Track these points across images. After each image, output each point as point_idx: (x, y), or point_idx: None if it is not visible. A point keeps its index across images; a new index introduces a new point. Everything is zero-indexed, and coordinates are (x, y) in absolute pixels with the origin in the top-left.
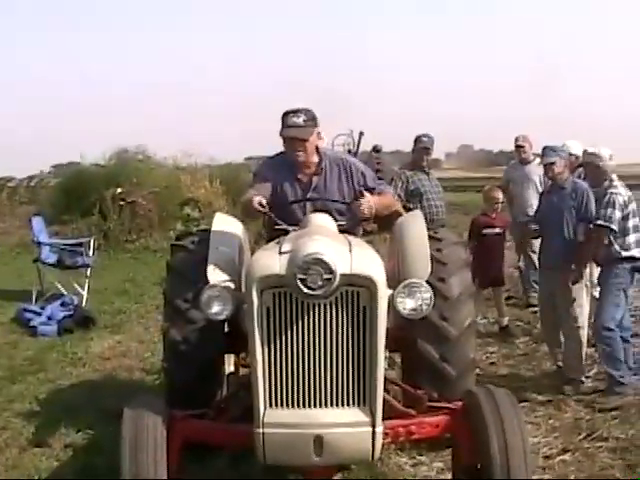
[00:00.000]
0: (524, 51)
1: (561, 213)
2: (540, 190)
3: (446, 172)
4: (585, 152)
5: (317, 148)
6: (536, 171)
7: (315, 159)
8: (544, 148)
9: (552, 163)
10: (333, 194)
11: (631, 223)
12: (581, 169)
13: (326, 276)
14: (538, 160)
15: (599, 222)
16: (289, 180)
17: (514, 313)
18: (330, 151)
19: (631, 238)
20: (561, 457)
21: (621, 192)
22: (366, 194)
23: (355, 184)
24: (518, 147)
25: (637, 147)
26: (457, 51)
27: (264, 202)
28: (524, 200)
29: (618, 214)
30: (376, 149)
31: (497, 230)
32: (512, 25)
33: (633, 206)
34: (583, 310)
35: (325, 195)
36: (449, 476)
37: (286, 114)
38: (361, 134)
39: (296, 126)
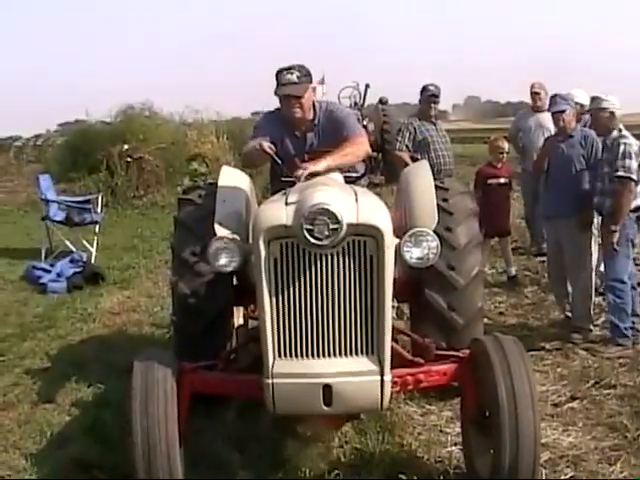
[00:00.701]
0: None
1: (570, 161)
2: None
3: (453, 124)
4: (596, 99)
5: (313, 103)
6: (550, 119)
7: (310, 115)
8: (553, 96)
9: (562, 111)
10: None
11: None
12: (587, 117)
13: (332, 226)
14: None
15: (619, 173)
16: (287, 136)
17: (522, 263)
18: (323, 102)
19: (638, 188)
20: (569, 404)
21: (632, 142)
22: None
23: (341, 131)
24: (535, 94)
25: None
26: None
27: (272, 147)
28: (536, 149)
29: (635, 164)
30: (382, 101)
31: (502, 180)
32: None
33: None
34: (591, 259)
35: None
36: (458, 425)
37: (280, 72)
38: (367, 86)
39: (290, 83)
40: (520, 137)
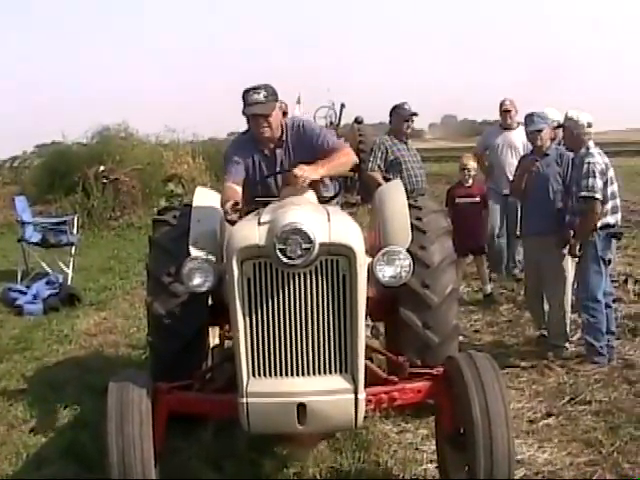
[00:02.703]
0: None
1: (547, 180)
2: None
3: (429, 142)
4: (565, 116)
5: (281, 121)
6: (520, 138)
7: (279, 133)
8: (530, 115)
9: (540, 130)
10: (297, 155)
11: (609, 190)
12: (561, 134)
13: (305, 245)
14: (522, 126)
15: (582, 193)
16: (258, 155)
17: (497, 281)
18: (289, 119)
19: (608, 205)
20: (545, 421)
21: (598, 160)
22: (300, 166)
23: (314, 144)
24: (506, 112)
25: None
26: (445, 23)
27: (238, 204)
28: (506, 168)
29: (600, 182)
30: (358, 121)
31: (473, 199)
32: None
33: (611, 173)
34: (568, 277)
35: (291, 166)
36: (434, 442)
37: (247, 91)
38: (342, 106)
39: (258, 102)
40: (487, 155)
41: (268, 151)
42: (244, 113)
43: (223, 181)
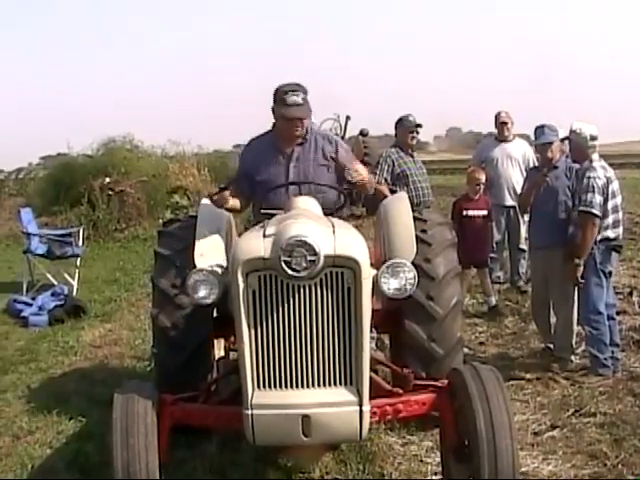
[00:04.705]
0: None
1: (556, 193)
2: (523, 169)
3: (434, 155)
4: (570, 128)
5: None
6: (519, 149)
7: (304, 132)
8: (541, 127)
9: (551, 143)
10: (310, 163)
11: (610, 205)
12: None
13: (310, 258)
14: (518, 138)
15: (581, 208)
16: (271, 156)
17: (502, 293)
18: (316, 126)
19: (609, 219)
20: (549, 433)
21: (599, 175)
22: (359, 165)
23: (333, 156)
24: (502, 124)
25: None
26: (449, 38)
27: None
28: (507, 180)
29: (598, 198)
30: (363, 133)
31: (480, 212)
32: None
33: (614, 186)
34: (575, 290)
35: (304, 164)
36: (439, 454)
37: (285, 92)
38: (348, 118)
39: (297, 105)
40: (485, 169)
41: (288, 149)
42: (281, 113)
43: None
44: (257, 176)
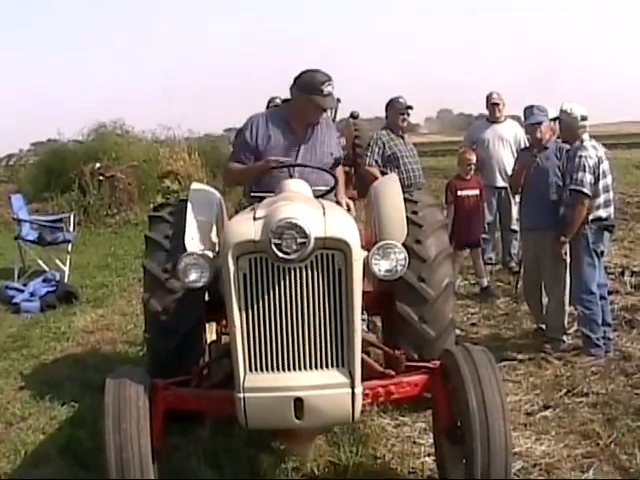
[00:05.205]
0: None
1: (546, 173)
2: (514, 150)
3: (425, 137)
4: (560, 108)
5: None
6: (510, 130)
7: None
8: (530, 107)
9: (540, 123)
10: (319, 147)
11: (601, 184)
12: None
13: (300, 240)
14: (510, 119)
15: (571, 187)
16: (283, 135)
17: (494, 274)
18: None
19: (600, 199)
20: (542, 413)
21: (590, 154)
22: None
23: (334, 144)
24: (494, 105)
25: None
26: (443, 18)
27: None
28: (498, 161)
29: (589, 177)
30: (353, 115)
31: (473, 192)
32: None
33: (604, 166)
34: (566, 270)
35: (315, 143)
36: (431, 436)
37: (322, 82)
38: (338, 101)
39: (329, 95)
40: (477, 150)
41: (302, 131)
42: (313, 101)
43: (230, 156)
44: (265, 152)
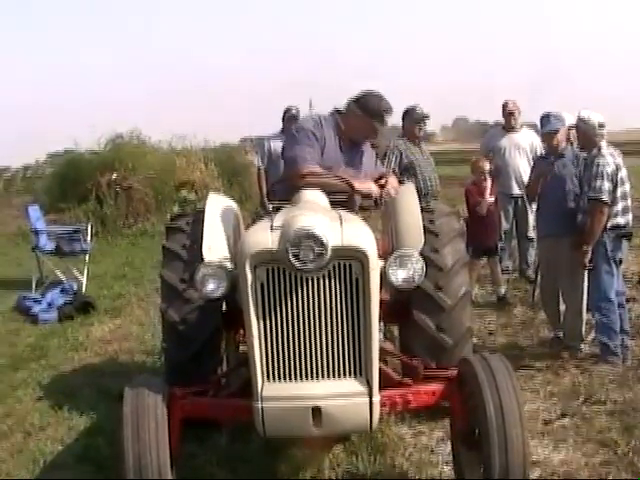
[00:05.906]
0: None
1: (563, 181)
2: (530, 158)
3: (441, 145)
4: (577, 116)
5: None
6: (526, 139)
7: None
8: (546, 115)
9: (556, 131)
10: (365, 165)
11: (619, 192)
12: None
13: (318, 250)
14: (526, 127)
15: (590, 194)
16: (335, 141)
17: (511, 282)
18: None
19: (618, 206)
20: (560, 421)
21: (608, 162)
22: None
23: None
24: (510, 114)
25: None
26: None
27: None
28: (514, 169)
29: (607, 185)
30: None
31: (490, 199)
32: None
33: (622, 173)
34: (584, 278)
35: (359, 165)
36: (449, 444)
37: (385, 110)
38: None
39: (386, 125)
40: (493, 158)
41: (349, 144)
42: (374, 123)
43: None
44: (321, 150)
